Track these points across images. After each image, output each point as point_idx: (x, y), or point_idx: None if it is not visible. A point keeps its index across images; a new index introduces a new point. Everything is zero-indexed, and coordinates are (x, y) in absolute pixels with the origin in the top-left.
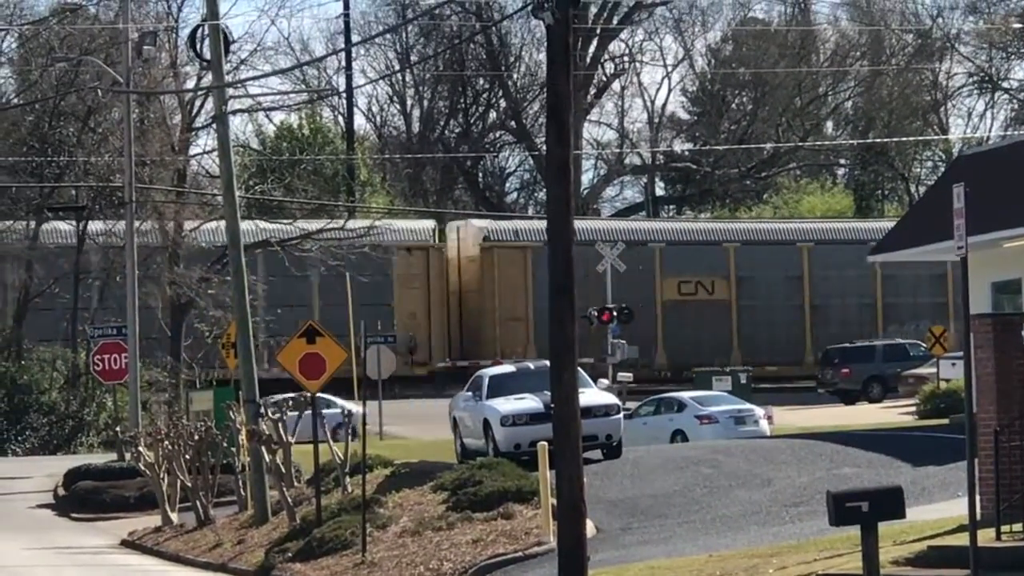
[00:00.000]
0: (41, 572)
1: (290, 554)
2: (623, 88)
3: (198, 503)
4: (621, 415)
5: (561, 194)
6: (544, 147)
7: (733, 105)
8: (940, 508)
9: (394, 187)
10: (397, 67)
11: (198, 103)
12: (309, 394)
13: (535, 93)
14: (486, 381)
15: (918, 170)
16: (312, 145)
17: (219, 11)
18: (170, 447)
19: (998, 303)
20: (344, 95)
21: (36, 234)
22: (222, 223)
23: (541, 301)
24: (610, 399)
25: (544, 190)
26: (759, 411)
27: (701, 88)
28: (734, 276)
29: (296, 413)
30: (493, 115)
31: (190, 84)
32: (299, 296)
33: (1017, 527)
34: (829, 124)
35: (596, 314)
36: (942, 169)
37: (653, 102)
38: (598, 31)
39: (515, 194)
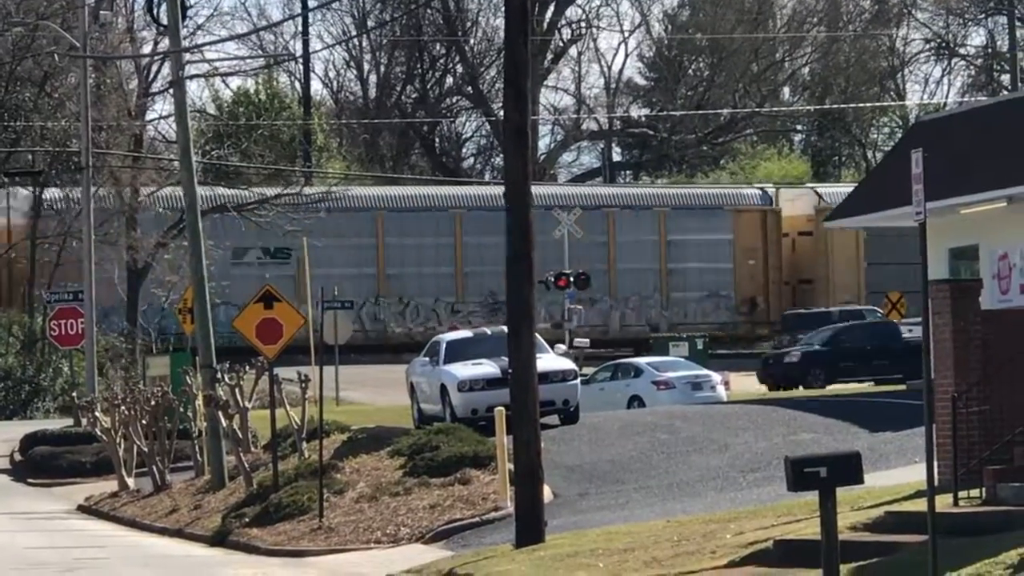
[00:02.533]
0: None
1: (247, 519)
2: (580, 53)
3: (155, 468)
4: (578, 380)
5: (518, 160)
6: (501, 113)
7: (690, 71)
8: (898, 474)
9: (351, 152)
10: (354, 32)
11: (155, 68)
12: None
13: (492, 59)
14: (443, 346)
15: (875, 136)
16: (269, 110)
17: None
18: (126, 412)
19: (955, 269)
20: (301, 60)
21: None
22: (179, 188)
23: None
24: (567, 364)
25: (501, 156)
26: (716, 376)
27: (658, 54)
28: None
29: None
30: (450, 80)
31: (147, 49)
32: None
33: (975, 493)
34: (786, 90)
35: (553, 279)
36: (899, 135)
37: (610, 67)
38: None
39: (471, 160)
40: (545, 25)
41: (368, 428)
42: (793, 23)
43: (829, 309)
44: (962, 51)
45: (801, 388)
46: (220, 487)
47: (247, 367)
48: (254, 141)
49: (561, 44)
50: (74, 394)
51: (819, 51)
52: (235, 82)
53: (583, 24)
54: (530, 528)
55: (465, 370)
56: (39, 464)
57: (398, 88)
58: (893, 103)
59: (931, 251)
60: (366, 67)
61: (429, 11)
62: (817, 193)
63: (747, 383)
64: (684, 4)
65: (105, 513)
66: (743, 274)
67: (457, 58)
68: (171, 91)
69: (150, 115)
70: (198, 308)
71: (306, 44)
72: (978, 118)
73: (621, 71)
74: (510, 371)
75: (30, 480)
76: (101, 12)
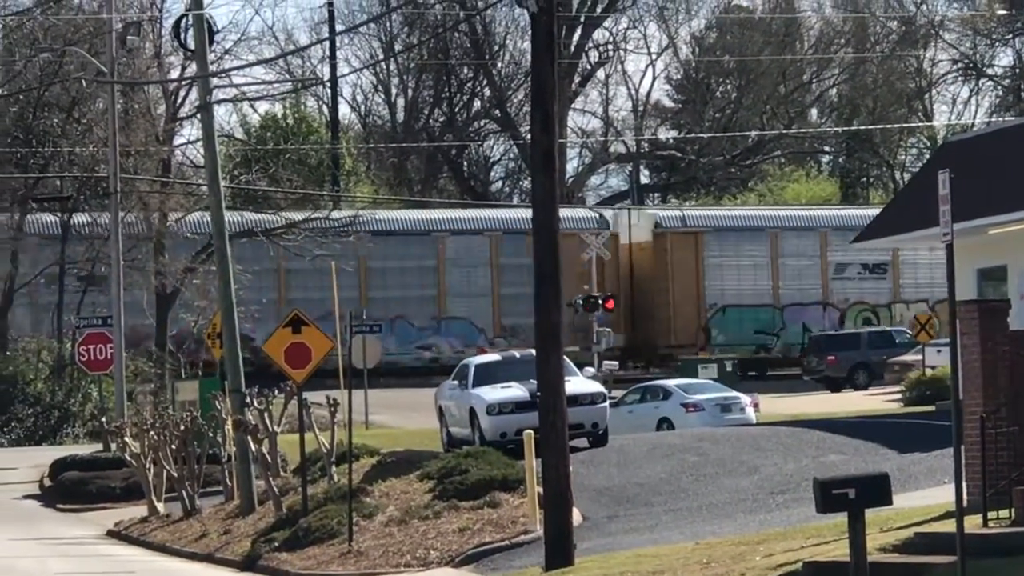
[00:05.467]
0: (27, 563)
1: (276, 544)
2: (607, 76)
3: (184, 493)
4: (607, 403)
5: (546, 183)
6: (529, 136)
7: (718, 93)
8: (926, 495)
9: (379, 176)
10: (381, 56)
11: (182, 93)
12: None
13: (520, 82)
14: (472, 369)
15: (903, 157)
16: (296, 134)
17: (203, 0)
18: (156, 437)
19: (983, 289)
20: (328, 84)
21: (21, 225)
22: (207, 213)
23: None
24: (596, 387)
25: (529, 179)
26: (745, 399)
27: (685, 76)
28: None
29: None
30: (477, 104)
31: (174, 74)
32: None
33: (1004, 513)
34: (814, 111)
35: (580, 302)
36: (927, 156)
37: (637, 90)
38: (582, 19)
39: (500, 183)
40: (572, 48)
41: (397, 452)
42: (820, 44)
43: (858, 331)
44: (990, 71)
45: None
46: (250, 511)
47: (275, 391)
48: (282, 165)
49: (588, 67)
50: (103, 419)
51: (846, 72)
52: (263, 106)
53: (610, 47)
54: (559, 551)
55: (494, 393)
56: (69, 489)
57: (426, 112)
58: (921, 124)
59: (959, 271)
60: (394, 91)
61: (456, 34)
62: None
63: (773, 404)
64: (711, 26)
65: (135, 538)
66: None
67: (485, 81)
68: (199, 116)
69: (178, 140)
70: (227, 333)
71: (334, 68)
72: (1006, 138)
73: (648, 93)
74: (539, 394)
75: (60, 505)
76: (128, 37)
